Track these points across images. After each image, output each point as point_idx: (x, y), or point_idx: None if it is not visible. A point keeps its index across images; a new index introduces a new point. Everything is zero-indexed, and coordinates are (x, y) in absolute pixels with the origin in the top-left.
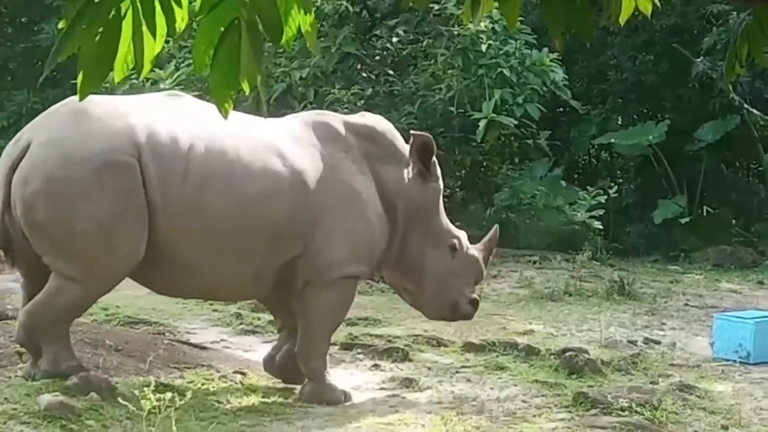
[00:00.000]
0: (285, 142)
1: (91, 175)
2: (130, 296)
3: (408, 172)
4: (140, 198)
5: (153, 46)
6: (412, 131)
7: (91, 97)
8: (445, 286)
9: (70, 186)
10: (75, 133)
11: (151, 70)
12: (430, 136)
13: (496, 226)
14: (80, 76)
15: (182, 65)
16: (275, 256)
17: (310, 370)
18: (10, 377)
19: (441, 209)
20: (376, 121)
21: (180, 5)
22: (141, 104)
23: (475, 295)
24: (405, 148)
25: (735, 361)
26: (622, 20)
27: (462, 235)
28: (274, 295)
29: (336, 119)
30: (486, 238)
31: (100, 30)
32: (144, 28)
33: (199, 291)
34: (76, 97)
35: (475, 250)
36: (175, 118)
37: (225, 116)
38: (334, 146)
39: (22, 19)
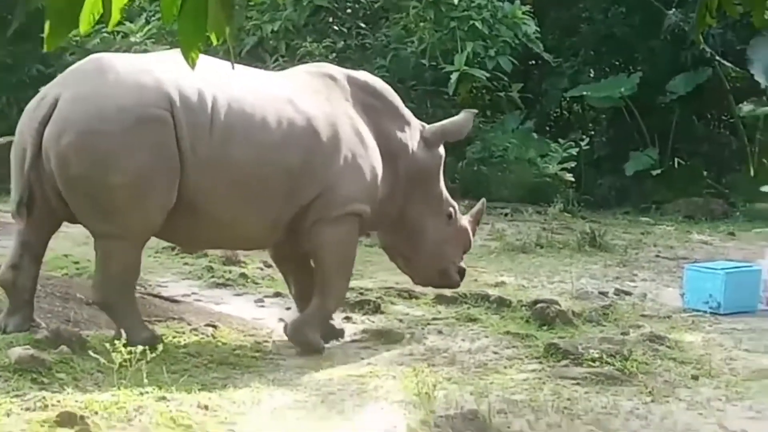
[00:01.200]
0: (295, 93)
1: (127, 128)
2: (86, 250)
3: (411, 133)
4: (173, 151)
5: None
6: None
7: (113, 54)
8: (439, 253)
9: (106, 139)
10: (106, 87)
11: (121, 23)
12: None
13: (483, 199)
14: (47, 27)
15: (153, 18)
16: (292, 202)
17: (319, 305)
18: None
19: (441, 177)
20: (377, 81)
21: None
22: (161, 60)
23: (463, 264)
24: (406, 111)
25: (705, 312)
26: None
27: (456, 205)
28: (288, 251)
29: (338, 71)
30: (474, 210)
31: None
32: None
33: (220, 241)
34: (100, 54)
35: (465, 221)
36: (195, 73)
37: (192, 66)
38: (338, 95)
39: None
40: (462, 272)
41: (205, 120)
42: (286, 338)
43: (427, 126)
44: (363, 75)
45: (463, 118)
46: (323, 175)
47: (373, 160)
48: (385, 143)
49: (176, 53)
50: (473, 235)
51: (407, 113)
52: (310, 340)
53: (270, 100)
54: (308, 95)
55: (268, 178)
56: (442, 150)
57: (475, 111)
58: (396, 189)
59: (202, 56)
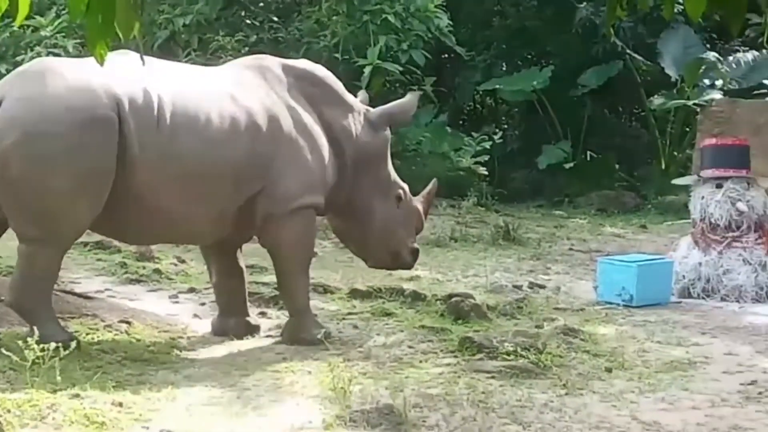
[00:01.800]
0: (235, 88)
1: (74, 130)
2: (11, 246)
3: (355, 118)
4: (112, 154)
5: None
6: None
7: (60, 58)
8: (389, 236)
9: (51, 141)
10: (53, 89)
11: (31, 17)
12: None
13: (435, 180)
14: None
15: (63, 12)
16: (238, 195)
17: (294, 308)
18: None
19: (389, 159)
20: (316, 67)
21: None
22: (107, 63)
23: (416, 245)
24: (348, 96)
25: (618, 305)
26: None
27: (405, 186)
28: (218, 243)
29: (276, 63)
30: (425, 191)
31: None
32: None
33: (168, 236)
34: (47, 58)
35: (416, 202)
36: (140, 73)
37: (101, 63)
38: (278, 87)
39: None
40: (415, 253)
41: (152, 119)
42: (200, 333)
43: (372, 109)
44: (302, 63)
45: (408, 100)
46: (267, 169)
47: (319, 149)
48: (328, 131)
49: (117, 55)
50: (425, 216)
51: (350, 98)
52: (309, 340)
53: (212, 96)
54: (249, 89)
55: (213, 173)
56: (388, 132)
57: (420, 93)
58: (343, 175)
59: (146, 57)
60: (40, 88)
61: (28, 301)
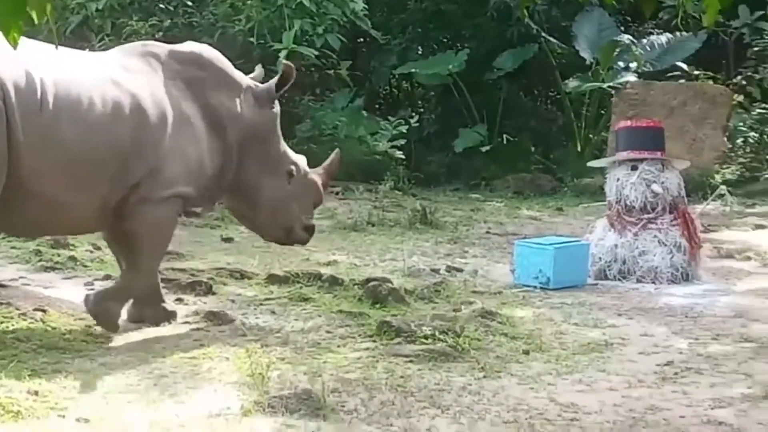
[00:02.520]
0: (119, 73)
1: None
2: None
3: (242, 98)
4: (3, 139)
5: None
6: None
7: None
8: (281, 212)
9: None
10: None
11: None
12: (293, 66)
13: (337, 150)
14: None
15: None
16: (121, 183)
17: (127, 286)
18: None
19: (279, 135)
20: (203, 49)
21: None
22: None
23: (312, 222)
24: (237, 75)
25: (535, 287)
26: None
27: (301, 159)
28: (118, 230)
29: (160, 48)
30: (326, 163)
31: None
32: None
33: (54, 226)
34: None
35: (314, 175)
36: (22, 57)
37: (14, 47)
38: (162, 73)
39: None
40: (310, 229)
41: (35, 103)
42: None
43: (259, 85)
44: (188, 47)
45: (285, 71)
46: (151, 156)
47: (199, 139)
48: (214, 115)
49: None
50: (326, 188)
51: (238, 76)
52: (111, 314)
53: (96, 81)
54: (134, 75)
55: (98, 159)
56: (277, 108)
57: (291, 64)
58: (228, 159)
59: (25, 39)
60: None
61: None
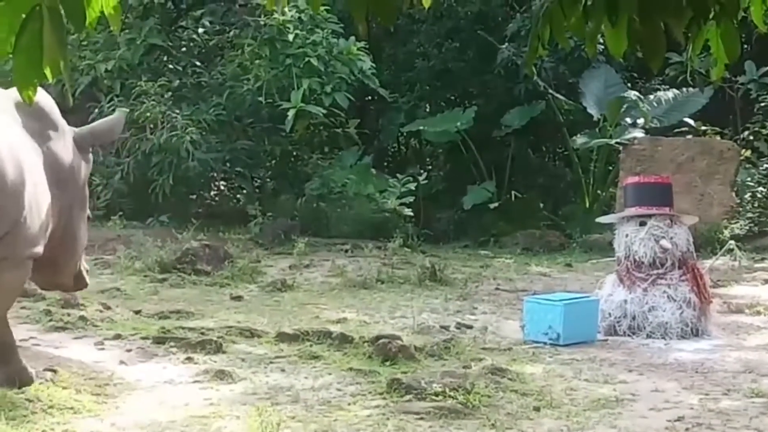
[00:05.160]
0: None
1: None
2: None
3: (69, 144)
4: None
5: None
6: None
7: None
8: (79, 257)
9: None
10: None
11: None
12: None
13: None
14: None
15: None
16: None
17: (7, 350)
18: None
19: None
20: (39, 97)
21: None
22: None
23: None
24: (60, 120)
25: (545, 343)
26: (426, 2)
27: None
28: None
29: (6, 97)
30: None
31: None
32: None
33: None
34: None
35: None
36: None
37: (30, 103)
38: (20, 124)
39: None
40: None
41: None
42: (126, 380)
43: (76, 130)
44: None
45: (114, 117)
46: (13, 212)
47: (45, 195)
48: (57, 168)
49: None
50: None
51: (62, 123)
52: (22, 379)
53: None
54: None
55: None
56: (91, 155)
57: (127, 110)
58: (63, 211)
59: None
60: None
61: None
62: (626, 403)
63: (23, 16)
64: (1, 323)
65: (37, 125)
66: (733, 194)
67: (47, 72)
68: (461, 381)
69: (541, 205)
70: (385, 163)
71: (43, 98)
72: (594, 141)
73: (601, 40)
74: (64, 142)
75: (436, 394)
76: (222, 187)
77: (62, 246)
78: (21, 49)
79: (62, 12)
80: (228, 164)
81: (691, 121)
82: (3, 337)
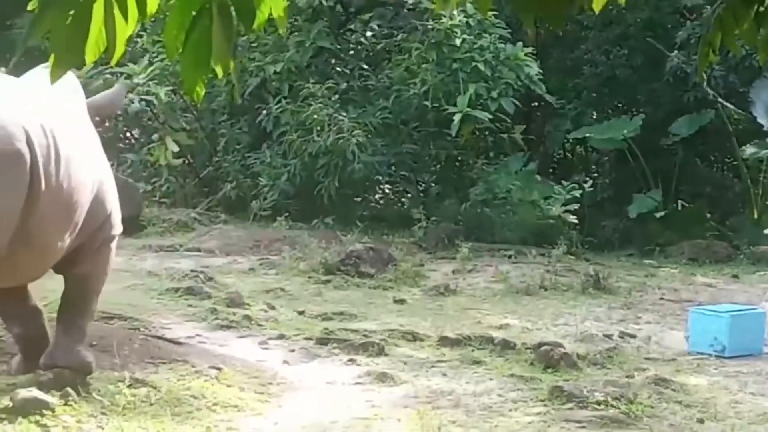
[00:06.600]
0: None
1: None
2: (104, 291)
3: None
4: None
5: (125, 28)
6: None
7: None
8: None
9: None
10: None
11: (124, 64)
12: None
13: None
14: (52, 59)
15: (155, 60)
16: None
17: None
18: None
19: None
20: (71, 75)
21: None
22: None
23: None
24: None
25: (710, 355)
26: (596, 6)
27: None
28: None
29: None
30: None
31: (71, 12)
32: (115, 10)
33: (32, 274)
34: None
35: None
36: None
37: (199, 101)
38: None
39: None
40: None
41: (51, 151)
42: (289, 380)
43: None
44: None
45: (114, 90)
46: (111, 197)
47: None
48: None
49: None
50: None
51: None
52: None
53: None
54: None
55: (84, 203)
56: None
57: (128, 83)
58: None
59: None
60: None
61: None
62: None
63: (193, 13)
64: (95, 301)
65: (82, 104)
66: None
67: (217, 70)
68: (624, 390)
69: (708, 215)
70: (550, 170)
71: (72, 76)
72: (763, 152)
73: None
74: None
75: (598, 403)
76: (387, 191)
77: None
78: (190, 47)
79: (232, 12)
80: (393, 168)
81: None
82: (82, 319)
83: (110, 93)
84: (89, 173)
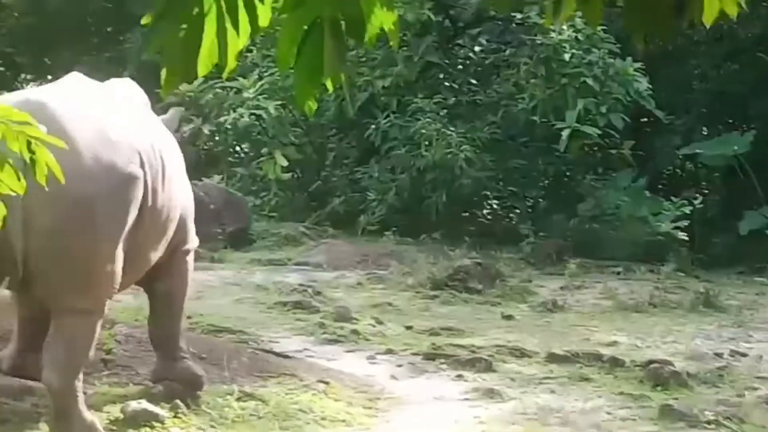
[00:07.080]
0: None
1: (115, 189)
2: (213, 305)
3: None
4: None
5: (236, 42)
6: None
7: None
8: None
9: (97, 204)
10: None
11: (234, 79)
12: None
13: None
14: (164, 73)
15: (266, 74)
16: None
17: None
18: (95, 383)
19: None
20: (138, 89)
21: (263, 1)
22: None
23: None
24: None
25: None
26: (706, 20)
27: None
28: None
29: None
30: None
31: (184, 26)
32: (227, 24)
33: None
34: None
35: None
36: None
37: (311, 115)
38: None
39: (108, 29)
40: None
41: (160, 169)
42: (396, 395)
43: None
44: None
45: (168, 115)
46: (191, 208)
47: None
48: None
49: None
50: None
51: None
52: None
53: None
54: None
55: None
56: None
57: (182, 109)
58: None
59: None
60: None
61: (73, 381)
62: None
63: (305, 27)
64: (180, 315)
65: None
66: None
67: (328, 84)
68: (735, 410)
69: None
70: (660, 186)
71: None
72: None
73: None
74: None
75: (709, 423)
76: (495, 206)
77: None
78: (302, 61)
79: (343, 25)
80: (501, 183)
81: None
82: (172, 330)
83: (164, 118)
84: (181, 190)
